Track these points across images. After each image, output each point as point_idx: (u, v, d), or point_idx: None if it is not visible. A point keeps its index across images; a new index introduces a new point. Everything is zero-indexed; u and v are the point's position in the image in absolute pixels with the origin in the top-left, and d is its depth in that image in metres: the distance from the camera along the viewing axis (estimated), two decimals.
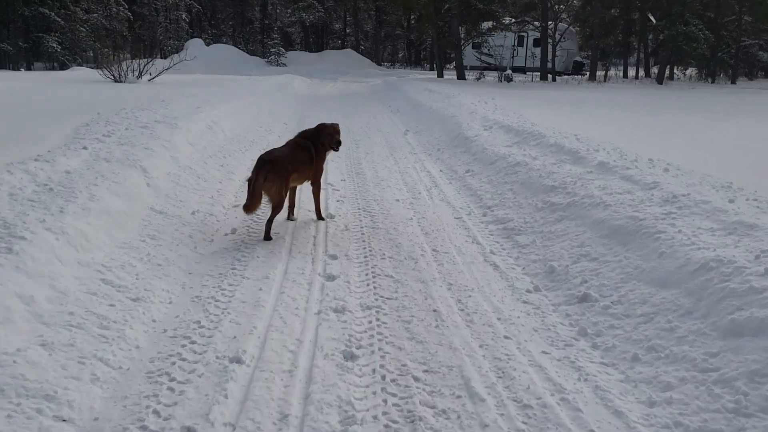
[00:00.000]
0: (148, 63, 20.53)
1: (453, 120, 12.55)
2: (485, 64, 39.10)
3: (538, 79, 32.48)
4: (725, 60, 37.83)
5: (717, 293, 3.78)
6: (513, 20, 34.81)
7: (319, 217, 6.65)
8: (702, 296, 3.85)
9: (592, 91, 22.42)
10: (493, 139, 9.83)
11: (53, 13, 36.36)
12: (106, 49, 32.48)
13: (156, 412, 3.13)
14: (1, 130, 8.59)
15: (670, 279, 4.19)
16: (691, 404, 3.07)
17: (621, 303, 4.22)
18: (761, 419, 2.84)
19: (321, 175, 6.69)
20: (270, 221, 6.04)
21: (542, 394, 3.31)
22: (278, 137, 12.13)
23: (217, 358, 3.66)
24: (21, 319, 3.63)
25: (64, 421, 2.97)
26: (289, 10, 54.25)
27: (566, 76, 37.52)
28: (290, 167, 6.12)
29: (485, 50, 33.82)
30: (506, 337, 3.98)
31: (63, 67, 35.62)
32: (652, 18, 33.42)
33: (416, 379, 3.47)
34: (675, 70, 40.33)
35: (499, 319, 4.25)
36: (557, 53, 33.32)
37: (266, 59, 45.31)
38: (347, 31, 60.30)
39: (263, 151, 6.65)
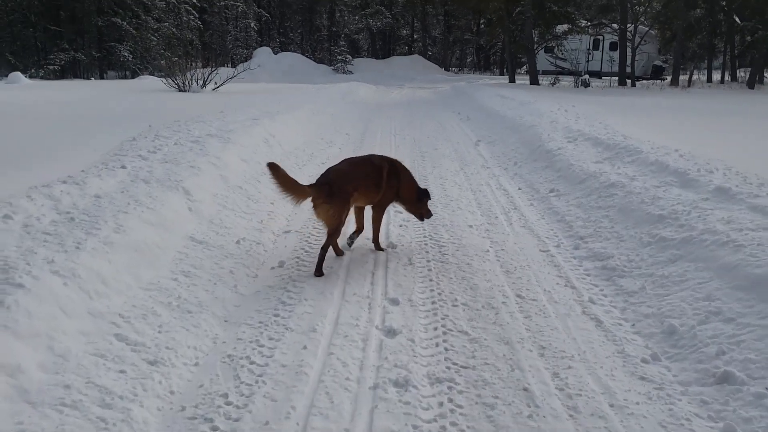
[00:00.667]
0: (212, 72, 20.21)
1: (531, 130, 11.45)
2: (559, 69, 37.52)
3: (615, 84, 30.73)
4: None
5: None
6: (589, 23, 33.18)
7: (377, 247, 5.79)
8: None
9: (678, 98, 20.75)
10: (580, 153, 8.70)
11: (125, 23, 37.03)
12: (176, 58, 32.74)
13: None
14: (42, 144, 8.09)
15: None
16: None
17: None
18: None
19: (388, 203, 5.80)
20: (324, 250, 5.26)
21: None
22: (339, 150, 11.36)
23: None
24: None
25: None
26: (357, 17, 53.93)
27: (645, 81, 35.53)
28: (351, 186, 5.37)
29: (559, 54, 32.30)
30: None
31: (134, 75, 36.21)
32: (737, 19, 31.19)
33: None
34: (765, 74, 37.64)
35: (611, 405, 3.22)
36: (636, 57, 31.48)
37: (333, 67, 44.99)
38: (415, 36, 59.53)
39: (323, 166, 5.75)
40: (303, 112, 13.58)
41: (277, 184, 5.28)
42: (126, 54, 37.72)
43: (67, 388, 3.10)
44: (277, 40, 53.10)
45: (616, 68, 37.04)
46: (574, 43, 34.84)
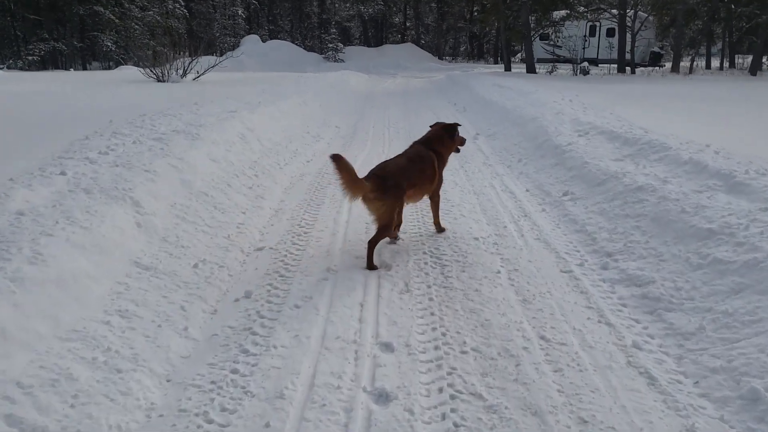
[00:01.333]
0: (192, 61, 19.12)
1: (535, 122, 10.46)
2: (554, 56, 36.46)
3: (614, 71, 29.73)
4: None
5: None
6: (587, 8, 32.12)
7: (439, 230, 5.73)
8: None
9: (682, 85, 19.78)
10: (594, 149, 7.73)
11: (108, 11, 35.74)
12: (162, 48, 31.61)
13: None
14: None
15: None
16: None
17: None
18: None
19: (441, 186, 5.71)
20: (373, 245, 4.94)
21: None
22: (327, 145, 10.37)
23: None
24: None
25: None
26: (348, 4, 52.68)
27: (644, 68, 34.56)
28: (408, 183, 5.18)
29: (554, 41, 31.26)
30: None
31: (118, 66, 34.96)
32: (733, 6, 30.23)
33: None
34: (764, 60, 36.70)
35: None
36: (635, 44, 30.45)
37: (323, 55, 43.83)
38: (407, 24, 58.30)
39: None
40: (288, 103, 12.55)
41: (341, 179, 4.92)
42: (109, 44, 36.45)
43: None
44: (266, 27, 51.81)
45: (613, 55, 36.07)
46: (569, 30, 33.80)
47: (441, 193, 5.80)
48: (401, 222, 5.65)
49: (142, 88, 15.56)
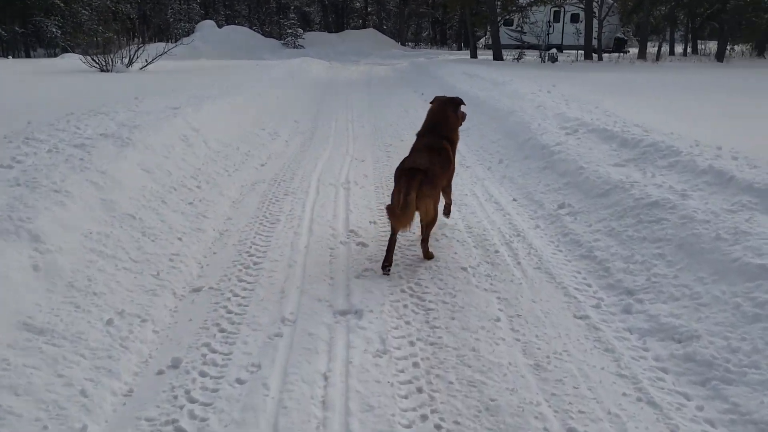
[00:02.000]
0: (139, 49, 17.73)
1: (514, 117, 9.54)
2: (519, 43, 35.70)
3: (581, 58, 29.07)
4: None
5: None
6: None
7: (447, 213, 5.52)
8: None
9: (655, 72, 19.14)
10: (589, 151, 6.83)
11: None
12: (112, 34, 29.99)
13: None
14: None
15: None
16: None
17: None
18: None
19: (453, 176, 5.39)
20: (427, 241, 4.78)
21: None
22: (285, 143, 9.30)
23: None
24: None
25: None
26: None
27: (611, 54, 34.04)
28: (440, 178, 4.82)
29: (521, 27, 30.47)
30: None
31: (65, 53, 33.00)
32: None
33: None
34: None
35: None
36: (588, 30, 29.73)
37: (283, 41, 42.34)
38: (369, 9, 57.00)
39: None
40: (242, 96, 11.40)
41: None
42: (54, 30, 34.39)
43: None
44: (223, 13, 49.96)
45: (577, 41, 35.52)
46: (534, 16, 33.08)
47: None
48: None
49: (80, 80, 14.20)
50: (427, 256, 4.76)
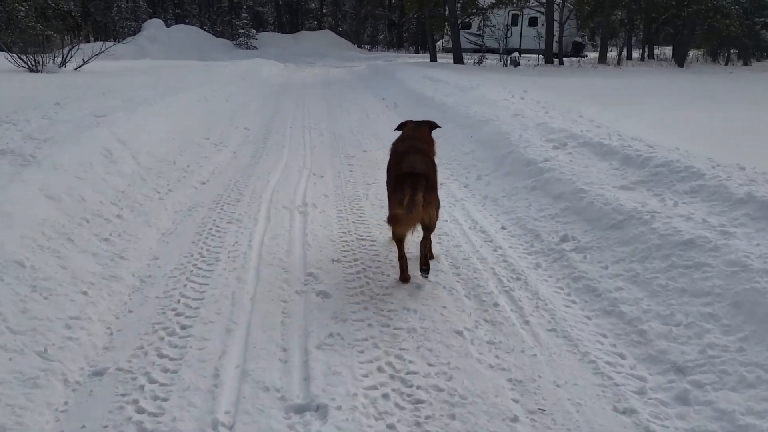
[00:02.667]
0: (73, 47, 16.21)
1: (489, 126, 8.58)
2: (477, 46, 35.03)
3: (542, 62, 28.49)
4: (741, 39, 34.06)
5: None
6: None
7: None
8: None
9: (624, 77, 18.57)
10: (585, 169, 5.89)
11: None
12: (51, 32, 28.14)
13: None
14: None
15: None
16: None
17: None
18: None
19: None
20: (431, 248, 4.35)
21: None
22: (233, 155, 8.16)
23: None
24: None
25: None
26: None
27: (571, 59, 33.65)
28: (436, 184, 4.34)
29: (482, 31, 29.78)
30: None
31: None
32: None
33: None
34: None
35: None
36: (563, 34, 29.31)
37: (235, 42, 40.76)
38: (324, 10, 55.78)
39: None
40: (184, 99, 10.17)
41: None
42: None
43: None
44: (172, 12, 48.00)
45: (538, 45, 35.06)
46: (493, 19, 32.51)
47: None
48: None
49: (9, 80, 12.68)
50: (431, 256, 4.34)
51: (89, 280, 3.87)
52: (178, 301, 3.85)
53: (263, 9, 53.21)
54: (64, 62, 15.57)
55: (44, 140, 5.67)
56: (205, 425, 2.67)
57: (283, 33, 47.80)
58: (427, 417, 2.75)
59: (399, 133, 4.88)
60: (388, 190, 4.40)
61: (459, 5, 27.27)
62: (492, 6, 27.53)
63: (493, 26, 31.56)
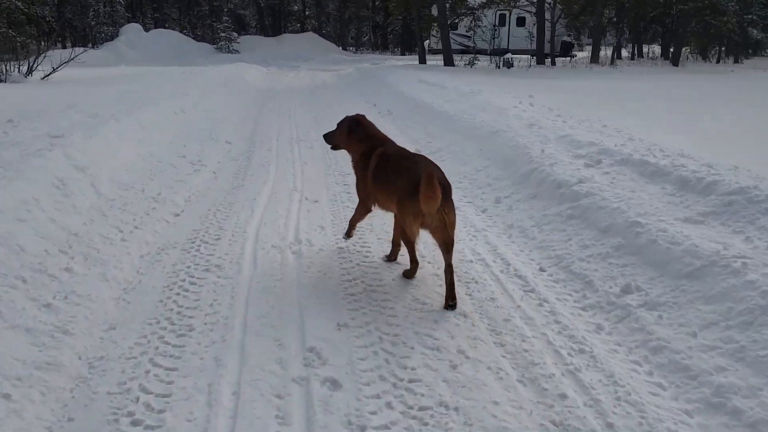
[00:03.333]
0: (39, 56, 15.11)
1: (502, 138, 7.64)
2: (464, 47, 34.16)
3: (534, 63, 27.64)
4: (732, 37, 33.47)
5: None
6: None
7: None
8: None
9: (623, 79, 17.74)
10: (632, 194, 4.96)
11: None
12: (24, 38, 26.89)
13: None
14: None
15: None
16: None
17: None
18: None
19: None
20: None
21: None
22: (213, 175, 7.19)
23: None
24: None
25: None
26: None
27: (563, 59, 32.90)
28: None
29: (472, 31, 28.90)
30: None
31: None
32: None
33: None
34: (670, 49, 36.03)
35: None
36: (552, 34, 28.46)
37: (216, 46, 39.58)
38: (307, 12, 54.72)
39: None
40: (157, 112, 9.14)
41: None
42: None
43: None
44: (150, 16, 46.75)
45: (530, 45, 34.25)
46: (485, 19, 31.70)
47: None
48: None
49: None
50: (454, 291, 3.83)
51: (15, 374, 2.86)
52: (137, 399, 2.86)
53: (245, 12, 52.06)
54: (30, 71, 14.45)
55: None
56: None
57: (265, 36, 46.70)
58: None
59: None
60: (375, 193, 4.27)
61: (448, 5, 26.38)
62: (483, 6, 26.64)
63: (482, 27, 30.78)
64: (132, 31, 36.56)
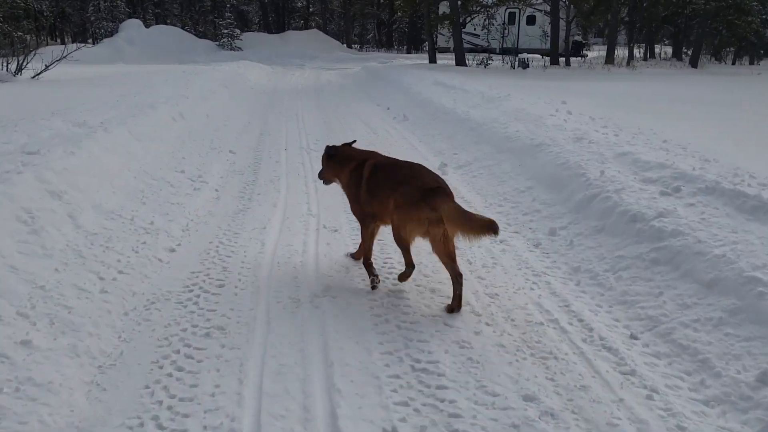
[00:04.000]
0: (30, 54, 14.14)
1: (546, 154, 6.68)
2: (471, 46, 33.19)
3: (548, 63, 26.65)
4: (748, 37, 32.42)
5: None
6: None
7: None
8: None
9: (650, 81, 16.75)
10: (735, 236, 3.97)
11: None
12: (21, 33, 26.10)
13: None
14: None
15: None
16: None
17: None
18: None
19: None
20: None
21: None
22: (215, 194, 6.27)
23: None
24: None
25: None
26: None
27: (578, 60, 31.91)
28: None
29: (484, 29, 27.93)
30: None
31: None
32: None
33: None
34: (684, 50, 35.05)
35: None
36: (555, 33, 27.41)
37: (218, 42, 38.60)
38: (311, 9, 53.72)
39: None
40: (153, 119, 8.20)
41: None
42: None
43: None
44: (152, 11, 45.76)
45: (534, 45, 33.33)
46: (496, 18, 30.75)
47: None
48: None
49: None
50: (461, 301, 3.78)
51: None
52: None
53: (248, 8, 51.08)
54: (19, 69, 13.49)
55: None
56: None
57: (269, 33, 45.73)
58: None
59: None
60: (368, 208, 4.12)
61: (460, 2, 25.40)
62: (496, 4, 25.66)
63: (495, 24, 29.85)
64: (132, 26, 35.60)
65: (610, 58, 27.72)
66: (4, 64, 13.48)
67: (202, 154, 7.95)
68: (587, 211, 5.20)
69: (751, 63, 30.65)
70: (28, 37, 31.13)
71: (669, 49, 41.03)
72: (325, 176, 4.56)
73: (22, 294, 3.38)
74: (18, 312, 3.23)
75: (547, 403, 2.85)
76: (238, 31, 40.01)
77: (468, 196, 6.36)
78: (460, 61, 23.68)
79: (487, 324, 3.61)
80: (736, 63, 30.96)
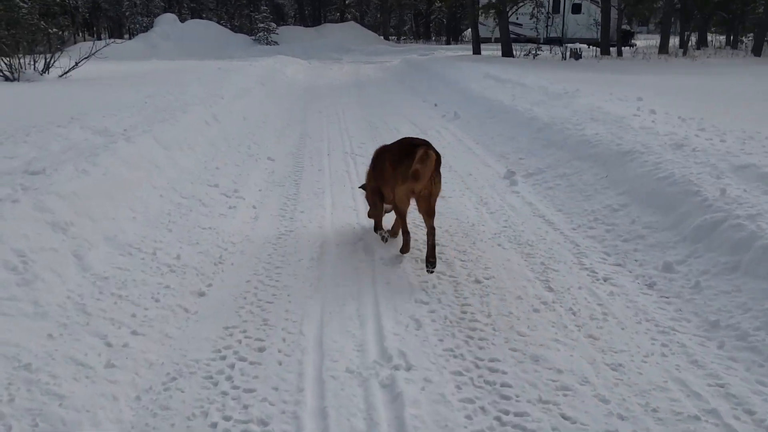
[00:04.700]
0: (59, 52, 13.50)
1: (640, 164, 5.61)
2: (514, 35, 31.95)
3: (598, 53, 25.26)
4: None
5: None
6: None
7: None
8: None
9: (719, 72, 15.42)
10: None
11: None
12: (56, 30, 25.67)
13: None
14: None
15: None
16: None
17: None
18: None
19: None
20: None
21: None
22: (253, 213, 5.40)
23: None
24: None
25: None
26: None
27: (629, 49, 30.35)
28: None
29: (536, 17, 26.70)
30: None
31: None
32: None
33: None
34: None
35: None
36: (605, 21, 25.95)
37: (254, 37, 37.96)
38: (347, 1, 52.80)
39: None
40: (184, 124, 7.35)
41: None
42: None
43: None
44: (187, 6, 45.39)
45: (580, 33, 31.98)
46: (543, 5, 29.55)
47: None
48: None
49: None
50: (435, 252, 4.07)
51: None
52: None
53: (283, 1, 50.40)
54: (47, 68, 12.85)
55: None
56: None
57: (305, 26, 44.97)
58: None
59: None
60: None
61: None
62: None
63: (532, 13, 28.66)
64: (167, 21, 35.15)
65: (664, 48, 26.17)
66: (31, 62, 12.85)
67: (238, 162, 7.09)
68: (710, 241, 4.16)
69: None
70: (65, 33, 30.86)
71: (722, 38, 39.07)
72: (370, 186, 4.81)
73: (46, 324, 2.52)
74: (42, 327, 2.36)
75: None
76: (273, 24, 39.32)
77: (547, 214, 5.37)
78: (507, 53, 22.50)
79: (621, 418, 2.63)
80: None
